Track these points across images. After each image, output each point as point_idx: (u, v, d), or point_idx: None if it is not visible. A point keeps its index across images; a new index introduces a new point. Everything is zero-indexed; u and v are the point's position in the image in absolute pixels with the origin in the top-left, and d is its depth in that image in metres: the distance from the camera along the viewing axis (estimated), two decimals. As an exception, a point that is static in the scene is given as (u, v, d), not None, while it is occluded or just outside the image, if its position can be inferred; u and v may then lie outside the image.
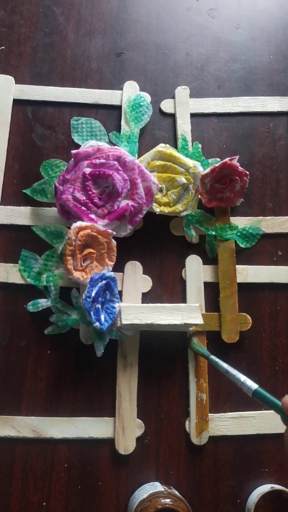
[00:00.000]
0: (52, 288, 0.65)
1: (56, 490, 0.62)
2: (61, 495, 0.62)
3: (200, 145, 0.73)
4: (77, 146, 0.72)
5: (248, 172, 0.70)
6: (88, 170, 0.64)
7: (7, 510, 0.61)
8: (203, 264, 0.70)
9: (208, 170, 0.68)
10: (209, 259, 0.70)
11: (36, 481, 0.62)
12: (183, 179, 0.68)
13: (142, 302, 0.67)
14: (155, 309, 0.64)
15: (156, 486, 0.60)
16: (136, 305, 0.64)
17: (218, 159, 0.72)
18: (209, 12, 0.82)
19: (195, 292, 0.68)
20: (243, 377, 0.51)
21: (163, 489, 0.59)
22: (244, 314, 0.68)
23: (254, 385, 0.50)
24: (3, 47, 0.77)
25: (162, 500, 0.56)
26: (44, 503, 0.62)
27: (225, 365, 0.53)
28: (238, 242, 0.71)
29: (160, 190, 0.68)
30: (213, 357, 0.56)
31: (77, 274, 0.62)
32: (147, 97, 0.75)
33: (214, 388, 0.67)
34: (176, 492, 0.59)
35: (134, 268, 0.68)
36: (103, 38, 0.79)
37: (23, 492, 0.62)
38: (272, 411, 0.65)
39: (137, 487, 0.63)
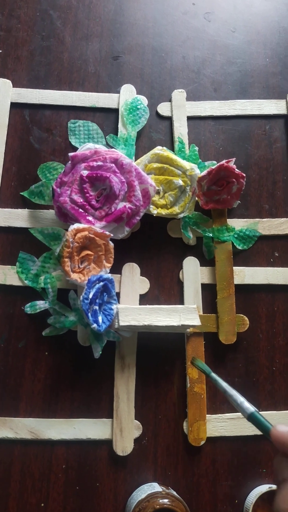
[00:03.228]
0: (49, 290, 0.66)
1: (54, 491, 0.62)
2: (59, 496, 0.62)
3: (196, 148, 0.73)
4: (75, 149, 0.72)
5: (244, 174, 0.70)
6: (85, 173, 0.65)
7: (5, 511, 0.61)
8: (201, 265, 0.70)
9: (205, 172, 0.69)
10: (206, 260, 0.71)
11: (34, 482, 0.63)
12: (180, 182, 0.68)
13: (140, 304, 0.68)
14: (153, 311, 0.64)
15: (154, 487, 0.60)
16: (133, 307, 0.64)
17: (215, 162, 0.73)
18: (205, 16, 0.83)
19: (192, 294, 0.69)
20: (240, 399, 0.50)
21: (161, 490, 0.59)
22: (242, 315, 0.69)
23: (251, 408, 0.49)
24: (0, 51, 0.77)
25: (160, 500, 0.56)
26: (42, 504, 0.62)
27: (224, 384, 0.53)
28: (235, 244, 0.71)
29: (157, 192, 0.69)
30: (213, 374, 0.56)
31: (74, 276, 0.63)
32: (144, 100, 0.75)
33: (211, 389, 0.67)
34: (174, 493, 0.60)
35: (131, 270, 0.69)
36: (100, 42, 0.79)
37: (21, 493, 0.62)
38: (269, 412, 0.66)
39: (135, 488, 0.63)
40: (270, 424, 0.46)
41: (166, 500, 0.56)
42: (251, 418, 0.48)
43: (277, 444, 0.44)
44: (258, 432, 0.65)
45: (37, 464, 0.63)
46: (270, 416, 0.66)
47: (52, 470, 0.63)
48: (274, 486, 0.62)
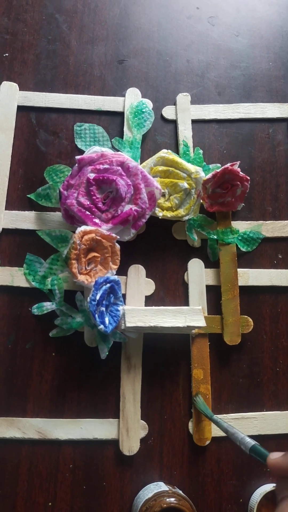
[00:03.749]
0: (56, 292, 0.66)
1: (62, 491, 0.63)
2: (66, 495, 0.63)
3: (201, 151, 0.74)
4: (81, 152, 0.73)
5: (249, 178, 0.71)
6: (92, 176, 0.65)
7: (13, 510, 0.62)
8: (205, 267, 0.71)
9: (209, 175, 0.70)
10: (211, 262, 0.72)
11: (41, 481, 0.63)
12: (185, 184, 0.69)
13: (146, 305, 0.68)
14: (159, 312, 0.65)
15: (160, 486, 0.61)
16: (139, 308, 0.65)
17: (219, 165, 0.74)
18: (209, 20, 0.84)
19: (197, 295, 0.69)
20: (241, 435, 0.53)
21: (167, 489, 0.59)
22: (246, 316, 0.69)
23: (251, 442, 0.51)
24: (7, 54, 0.78)
25: (167, 499, 0.57)
26: (50, 504, 0.63)
27: (225, 425, 0.55)
28: (239, 246, 0.72)
29: (163, 195, 0.69)
30: (215, 417, 0.58)
31: (81, 278, 0.63)
32: (149, 103, 0.76)
33: (216, 390, 0.68)
34: (180, 492, 0.60)
35: (137, 272, 0.69)
36: (106, 46, 0.80)
37: (29, 492, 0.63)
38: (273, 412, 0.67)
39: (141, 487, 0.63)
40: (267, 452, 0.49)
41: (173, 499, 0.57)
42: (252, 450, 0.51)
43: (273, 470, 0.48)
44: (262, 432, 0.66)
45: (44, 463, 0.64)
46: (274, 416, 0.67)
47: (60, 470, 0.64)
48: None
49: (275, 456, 0.48)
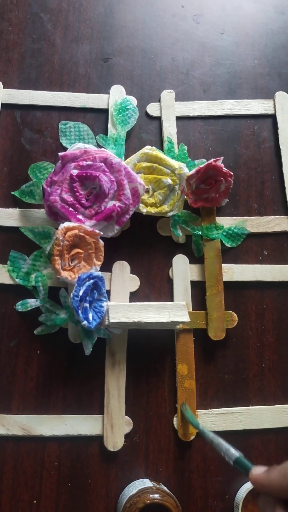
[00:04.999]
0: (40, 288, 0.66)
1: (47, 488, 0.63)
2: (51, 493, 0.63)
3: (185, 147, 0.74)
4: (65, 150, 0.73)
5: (232, 173, 0.71)
6: (75, 172, 0.66)
7: (-2, 508, 0.62)
8: (190, 263, 0.71)
9: (193, 171, 0.70)
10: (196, 258, 0.72)
11: (27, 479, 0.63)
12: (169, 180, 0.69)
13: (130, 302, 0.68)
14: (143, 308, 0.65)
15: (145, 482, 0.61)
16: (123, 304, 0.65)
17: (204, 160, 0.74)
18: (194, 18, 0.84)
19: (182, 291, 0.69)
20: (226, 446, 0.52)
21: (152, 485, 0.59)
22: (230, 312, 0.69)
23: (236, 454, 0.50)
24: (-9, 53, 0.78)
25: (151, 495, 0.57)
26: (35, 501, 0.62)
27: (211, 435, 0.55)
28: (224, 242, 0.72)
29: (147, 191, 0.69)
30: (202, 427, 0.58)
31: (65, 274, 0.63)
32: (133, 100, 0.76)
33: (202, 386, 0.68)
34: (165, 488, 0.60)
35: (122, 268, 0.69)
36: (90, 44, 0.80)
37: (14, 490, 0.62)
38: (259, 407, 0.67)
39: (127, 484, 0.63)
40: (250, 466, 0.48)
41: (156, 495, 0.57)
42: (236, 462, 0.50)
43: (255, 485, 0.46)
44: (247, 427, 0.66)
45: (29, 461, 0.63)
46: (259, 411, 0.67)
47: (45, 467, 0.63)
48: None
49: (257, 472, 0.46)
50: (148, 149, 0.70)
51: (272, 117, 0.79)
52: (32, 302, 0.67)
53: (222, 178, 0.70)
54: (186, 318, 0.65)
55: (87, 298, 0.63)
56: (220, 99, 0.80)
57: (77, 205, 0.66)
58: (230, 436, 0.66)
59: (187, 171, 0.70)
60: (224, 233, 0.72)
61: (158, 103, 0.78)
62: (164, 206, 0.70)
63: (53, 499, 0.63)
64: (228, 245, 0.72)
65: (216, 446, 0.53)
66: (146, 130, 0.77)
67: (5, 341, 0.67)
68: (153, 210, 0.69)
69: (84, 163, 0.66)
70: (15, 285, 0.67)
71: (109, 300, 0.67)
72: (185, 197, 0.71)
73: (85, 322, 0.61)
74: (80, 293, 0.61)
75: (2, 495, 0.62)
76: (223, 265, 0.71)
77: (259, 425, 0.66)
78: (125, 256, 0.70)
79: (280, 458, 0.66)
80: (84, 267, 0.65)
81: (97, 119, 0.76)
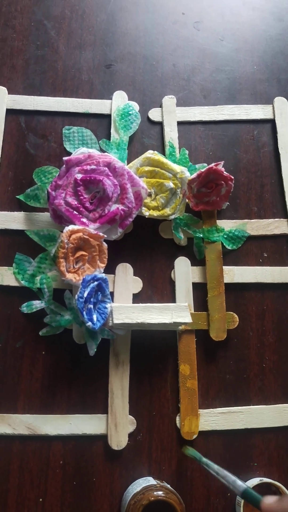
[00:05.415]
0: (45, 290, 0.68)
1: (52, 487, 0.64)
2: (57, 491, 0.64)
3: (187, 151, 0.76)
4: (69, 155, 0.74)
5: (233, 177, 0.73)
6: (79, 176, 0.67)
7: (5, 506, 0.63)
8: (192, 265, 0.72)
9: (194, 175, 0.71)
10: (197, 260, 0.73)
11: (32, 478, 0.64)
12: (171, 184, 0.70)
13: (134, 303, 0.70)
14: (146, 309, 0.66)
15: (149, 480, 0.62)
16: (127, 305, 0.66)
17: (205, 164, 0.75)
18: (195, 25, 0.86)
19: (184, 293, 0.71)
20: (232, 478, 0.53)
21: (155, 483, 0.60)
22: (231, 313, 0.71)
23: (243, 485, 0.52)
24: (-4, 60, 0.80)
25: (155, 493, 0.58)
26: (41, 499, 0.63)
27: (216, 467, 0.55)
28: (224, 244, 0.73)
29: (149, 195, 0.71)
30: (205, 459, 0.59)
31: (69, 276, 0.64)
32: (135, 106, 0.78)
33: (204, 386, 0.69)
34: (169, 486, 0.61)
35: (125, 270, 0.71)
36: (93, 51, 0.82)
37: (20, 489, 0.63)
38: (260, 406, 0.68)
39: (131, 482, 0.64)
40: (260, 497, 0.50)
41: (160, 492, 0.58)
42: (244, 494, 0.51)
43: None
44: (249, 426, 0.67)
45: (35, 460, 0.64)
46: (260, 410, 0.68)
47: (50, 466, 0.65)
48: (265, 479, 0.63)
49: (270, 501, 0.48)
50: (150, 154, 0.71)
51: (271, 122, 0.81)
52: (37, 304, 0.68)
53: (222, 182, 0.72)
54: (188, 319, 0.66)
55: (92, 299, 0.64)
56: (220, 104, 0.81)
57: (81, 209, 0.67)
58: (231, 435, 0.67)
59: (188, 175, 0.71)
60: (225, 236, 0.73)
61: (160, 108, 0.79)
62: (166, 209, 0.71)
63: (58, 497, 0.64)
64: (229, 248, 0.73)
65: (222, 478, 0.54)
66: (148, 135, 0.78)
67: (11, 343, 0.68)
68: (155, 213, 0.71)
69: (88, 167, 0.67)
70: (21, 287, 0.69)
71: (112, 301, 0.69)
72: (187, 200, 0.72)
73: (89, 323, 0.62)
74: (85, 295, 0.63)
75: (9, 493, 0.63)
76: (224, 267, 0.72)
77: (260, 424, 0.67)
78: (128, 259, 0.72)
79: (280, 457, 0.67)
80: (88, 269, 0.66)
81: (100, 124, 0.78)
